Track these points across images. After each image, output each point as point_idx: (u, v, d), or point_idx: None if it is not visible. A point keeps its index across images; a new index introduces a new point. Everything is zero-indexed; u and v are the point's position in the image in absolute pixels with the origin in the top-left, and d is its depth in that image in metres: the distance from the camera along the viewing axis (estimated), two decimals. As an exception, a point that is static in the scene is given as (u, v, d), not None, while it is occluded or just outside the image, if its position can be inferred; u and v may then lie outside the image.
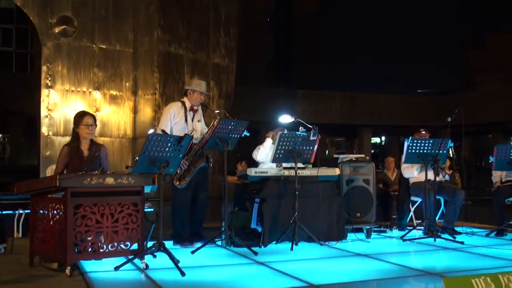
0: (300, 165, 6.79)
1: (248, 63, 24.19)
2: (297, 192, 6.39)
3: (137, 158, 5.22)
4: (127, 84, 12.15)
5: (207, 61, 13.46)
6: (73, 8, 11.74)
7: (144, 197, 5.36)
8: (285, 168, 6.77)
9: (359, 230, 7.31)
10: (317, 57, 24.80)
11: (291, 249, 6.22)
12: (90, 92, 11.80)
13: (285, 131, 6.56)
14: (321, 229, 6.70)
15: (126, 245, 5.23)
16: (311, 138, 6.59)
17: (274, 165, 6.96)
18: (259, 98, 21.06)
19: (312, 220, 6.69)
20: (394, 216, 7.85)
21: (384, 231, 7.67)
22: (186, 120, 6.62)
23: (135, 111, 12.20)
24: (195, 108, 6.75)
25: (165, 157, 5.29)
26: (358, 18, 24.22)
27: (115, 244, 5.17)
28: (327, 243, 6.63)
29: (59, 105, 11.51)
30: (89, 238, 5.06)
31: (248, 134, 6.64)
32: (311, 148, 6.67)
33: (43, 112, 11.41)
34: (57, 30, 11.59)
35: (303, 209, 6.61)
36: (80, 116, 5.84)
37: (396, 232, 7.70)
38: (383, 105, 23.81)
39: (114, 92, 11.92)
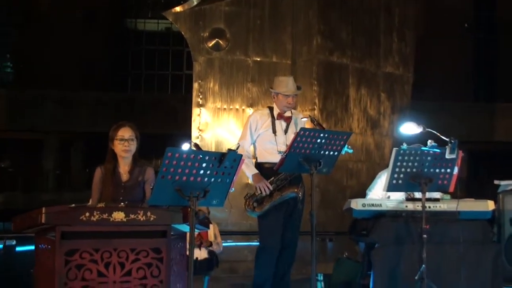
0: (434, 195, 4.73)
1: (443, 75, 21.63)
2: (424, 235, 4.35)
3: (152, 184, 3.67)
4: (284, 99, 10.80)
5: (377, 71, 11.55)
6: (226, 19, 10.73)
7: (170, 239, 3.77)
8: (408, 200, 4.73)
9: (531, 293, 4.98)
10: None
11: (412, 319, 4.19)
12: (243, 109, 10.67)
13: (404, 146, 4.52)
14: (465, 291, 4.55)
15: (143, 309, 3.68)
16: (447, 156, 4.48)
17: (399, 194, 4.94)
18: (453, 114, 18.44)
19: (450, 277, 4.58)
20: None
21: None
22: (274, 131, 4.94)
23: (292, 129, 10.74)
24: (286, 115, 5.03)
25: (199, 183, 3.66)
26: None
27: (125, 307, 3.64)
28: (474, 311, 4.47)
29: (211, 125, 10.52)
30: (88, 298, 3.60)
31: (351, 151, 4.75)
32: (448, 170, 4.55)
33: (194, 133, 10.52)
34: (209, 44, 10.65)
35: (436, 261, 4.53)
36: (115, 129, 4.45)
37: None
38: None
39: (269, 109, 10.62)
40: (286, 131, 5.02)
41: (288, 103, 4.97)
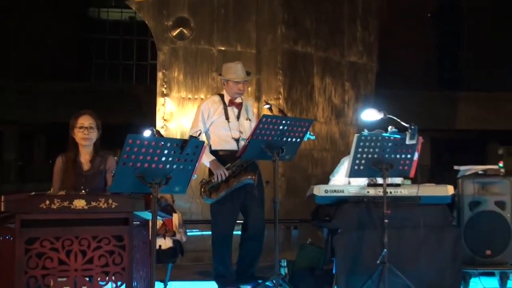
0: (395, 181, 4.83)
1: (407, 64, 21.86)
2: (386, 220, 4.43)
3: (113, 172, 3.66)
4: (249, 89, 10.72)
5: (341, 60, 11.59)
6: (190, 8, 10.61)
7: (132, 227, 3.77)
8: (369, 185, 4.80)
9: (490, 275, 5.11)
10: (487, 55, 21.65)
11: (374, 303, 4.26)
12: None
13: (365, 132, 4.60)
14: (425, 274, 4.65)
15: (105, 297, 3.67)
16: (407, 142, 4.56)
17: (361, 180, 5.01)
18: (417, 103, 18.69)
19: (411, 261, 4.67)
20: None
21: (532, 277, 5.32)
22: (227, 118, 4.96)
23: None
24: (237, 101, 5.05)
25: (161, 170, 3.66)
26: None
27: (88, 294, 3.64)
28: (434, 294, 4.57)
29: (175, 115, 10.42)
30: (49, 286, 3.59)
31: (313, 138, 4.81)
32: (408, 156, 4.64)
33: (159, 122, 10.43)
34: (173, 33, 10.54)
35: (398, 245, 4.62)
36: (75, 117, 4.44)
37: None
38: None
39: (235, 99, 10.58)
40: (238, 117, 5.04)
41: (239, 89, 5.00)
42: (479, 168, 5.19)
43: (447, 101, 19.52)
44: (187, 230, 6.81)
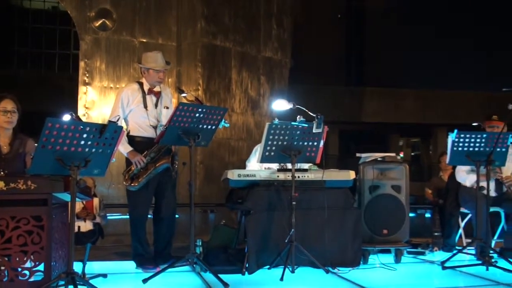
0: (304, 166, 4.96)
1: (318, 60, 22.30)
2: (294, 202, 4.55)
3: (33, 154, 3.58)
4: (169, 80, 10.67)
5: (257, 55, 11.70)
6: (113, 0, 10.44)
7: (51, 208, 3.69)
8: (279, 170, 4.91)
9: (386, 252, 5.34)
10: (389, 52, 22.43)
11: (281, 278, 4.35)
12: (129, 88, 10.44)
13: (276, 121, 4.70)
14: (329, 251, 4.80)
15: (24, 275, 3.59)
16: (314, 131, 4.69)
17: (273, 165, 5.11)
18: (327, 97, 19.15)
19: (316, 240, 4.81)
20: (436, 234, 5.79)
21: (423, 253, 5.60)
22: (145, 106, 4.92)
23: (179, 109, 10.64)
24: (155, 90, 5.02)
25: (80, 153, 3.60)
26: (435, 9, 21.55)
27: (5, 273, 3.55)
28: (336, 270, 4.73)
29: (97, 104, 10.22)
30: (-33, 265, 3.48)
31: (227, 125, 4.87)
32: (315, 143, 4.77)
33: (81, 111, 10.19)
34: (96, 24, 10.30)
35: (305, 225, 4.75)
36: None
37: (439, 254, 5.61)
38: (460, 102, 21.05)
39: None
40: (156, 105, 5.00)
41: (159, 77, 4.96)
42: (379, 155, 5.40)
43: (354, 96, 20.10)
44: (108, 214, 6.71)
